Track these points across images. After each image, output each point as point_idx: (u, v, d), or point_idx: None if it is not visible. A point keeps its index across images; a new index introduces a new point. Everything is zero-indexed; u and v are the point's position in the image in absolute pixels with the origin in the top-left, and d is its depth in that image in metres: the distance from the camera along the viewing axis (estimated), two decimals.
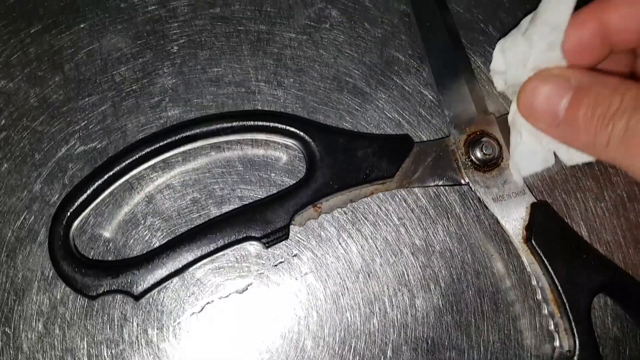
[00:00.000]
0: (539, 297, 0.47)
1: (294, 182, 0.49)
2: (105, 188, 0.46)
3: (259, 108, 0.50)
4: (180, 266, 0.45)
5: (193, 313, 0.48)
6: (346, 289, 0.49)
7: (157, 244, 0.48)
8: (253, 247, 0.49)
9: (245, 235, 0.45)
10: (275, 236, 0.46)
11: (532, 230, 0.47)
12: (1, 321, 0.47)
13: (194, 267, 0.46)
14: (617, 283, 0.47)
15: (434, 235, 0.50)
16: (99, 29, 0.51)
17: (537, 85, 0.43)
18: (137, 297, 0.44)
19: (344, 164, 0.47)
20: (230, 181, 0.49)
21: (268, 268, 0.49)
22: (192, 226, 0.48)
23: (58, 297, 0.48)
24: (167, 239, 0.48)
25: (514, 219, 0.48)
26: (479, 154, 0.48)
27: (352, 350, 0.49)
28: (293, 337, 0.49)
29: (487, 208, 0.48)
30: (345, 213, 0.50)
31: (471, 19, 0.52)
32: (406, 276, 0.49)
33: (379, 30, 0.52)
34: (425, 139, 0.50)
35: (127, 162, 0.46)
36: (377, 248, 0.50)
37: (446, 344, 0.49)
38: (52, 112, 0.50)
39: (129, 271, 0.44)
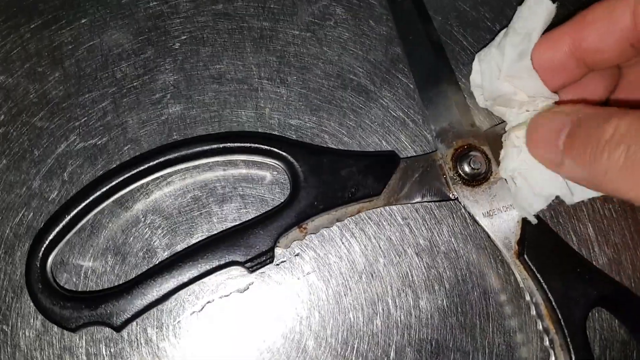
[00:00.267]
0: (533, 312, 0.46)
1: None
2: (83, 216, 0.45)
3: (261, 105, 0.50)
4: (162, 295, 0.44)
5: (193, 312, 0.48)
6: (349, 289, 0.48)
7: (157, 242, 0.48)
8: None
9: (228, 260, 0.44)
10: (259, 260, 0.45)
11: (524, 244, 0.46)
12: None
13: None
14: (614, 297, 0.46)
15: (438, 236, 0.49)
16: (100, 24, 0.50)
17: (538, 124, 0.42)
18: (118, 329, 0.43)
19: (328, 183, 0.46)
20: (232, 179, 0.49)
21: (269, 267, 0.48)
22: (180, 250, 0.48)
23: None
24: (167, 237, 0.48)
25: (505, 233, 0.46)
26: (467, 169, 0.47)
27: (354, 351, 0.48)
28: (295, 337, 0.48)
29: (477, 223, 0.47)
30: None
31: (477, 17, 0.52)
32: (410, 277, 0.49)
33: (383, 27, 0.51)
34: (430, 138, 0.50)
35: (104, 189, 0.45)
36: (380, 248, 0.49)
37: (450, 345, 0.48)
38: (51, 108, 0.49)
39: (109, 302, 0.43)
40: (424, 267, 0.49)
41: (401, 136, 0.50)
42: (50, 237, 0.44)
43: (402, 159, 0.48)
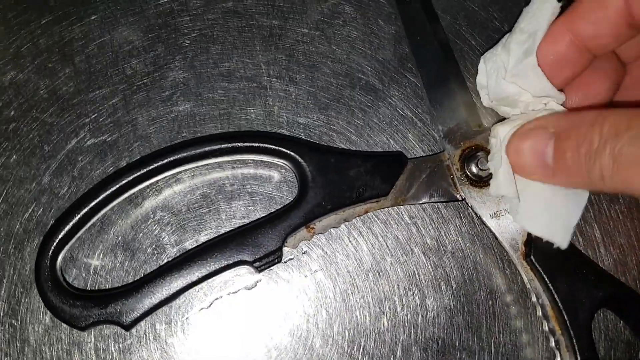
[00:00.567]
0: (539, 313, 0.47)
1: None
2: (93, 214, 0.45)
3: (270, 103, 0.50)
4: (171, 294, 0.44)
5: (202, 308, 0.48)
6: (356, 288, 0.49)
7: (167, 239, 0.48)
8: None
9: (237, 259, 0.45)
10: (267, 260, 0.45)
11: (530, 246, 0.46)
12: (8, 314, 0.47)
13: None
14: (619, 298, 0.47)
15: (445, 235, 0.49)
16: (110, 21, 0.50)
17: (518, 144, 0.42)
18: (127, 327, 0.44)
19: (336, 183, 0.46)
20: (241, 177, 0.49)
21: (277, 265, 0.48)
22: (188, 250, 0.48)
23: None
24: (176, 234, 0.48)
25: (511, 234, 0.46)
26: (474, 169, 0.47)
27: (361, 350, 0.48)
28: (302, 334, 0.48)
29: (484, 224, 0.47)
30: None
31: (486, 17, 0.52)
32: (417, 276, 0.49)
33: (392, 27, 0.51)
34: (437, 137, 0.50)
35: (114, 187, 0.45)
36: (387, 247, 0.49)
37: (457, 344, 0.48)
38: (62, 104, 0.49)
39: (118, 301, 0.44)
40: (431, 266, 0.49)
41: (409, 135, 0.50)
42: (60, 236, 0.44)
43: (410, 159, 0.48)
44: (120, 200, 0.46)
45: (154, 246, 0.48)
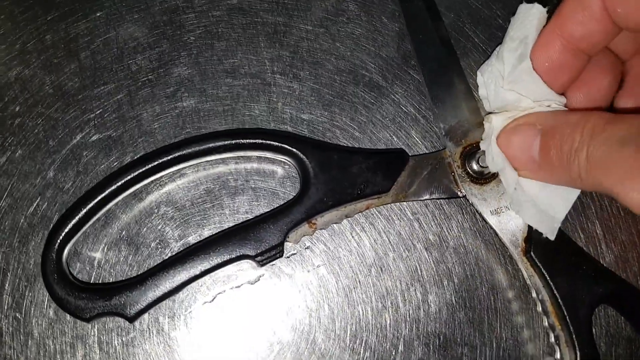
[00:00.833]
0: (539, 309, 0.47)
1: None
2: (98, 209, 0.46)
3: (274, 100, 0.50)
4: (174, 287, 0.44)
5: (205, 302, 0.48)
6: (358, 283, 0.49)
7: (170, 233, 0.48)
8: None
9: (239, 254, 0.45)
10: (269, 254, 0.45)
11: (530, 242, 0.46)
12: (12, 307, 0.47)
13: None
14: (620, 294, 0.47)
15: (448, 231, 0.50)
16: (116, 17, 0.51)
17: (508, 138, 0.44)
18: (131, 319, 0.44)
19: (338, 180, 0.46)
20: (244, 173, 0.49)
21: (280, 259, 0.48)
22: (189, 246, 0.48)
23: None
24: (180, 228, 0.48)
25: (512, 231, 0.47)
26: (475, 167, 0.47)
27: (363, 344, 0.48)
28: (304, 329, 0.48)
29: (485, 221, 0.47)
30: None
31: (490, 14, 0.52)
32: (419, 271, 0.49)
33: (396, 24, 0.52)
34: (439, 135, 0.50)
35: (119, 183, 0.45)
36: (390, 242, 0.49)
37: (458, 340, 0.49)
38: (67, 100, 0.50)
39: (123, 293, 0.44)
40: (433, 262, 0.49)
41: (412, 132, 0.51)
42: (67, 230, 0.45)
43: (411, 156, 0.48)
44: (125, 195, 0.47)
45: (157, 241, 0.48)
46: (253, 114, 0.50)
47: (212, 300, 0.48)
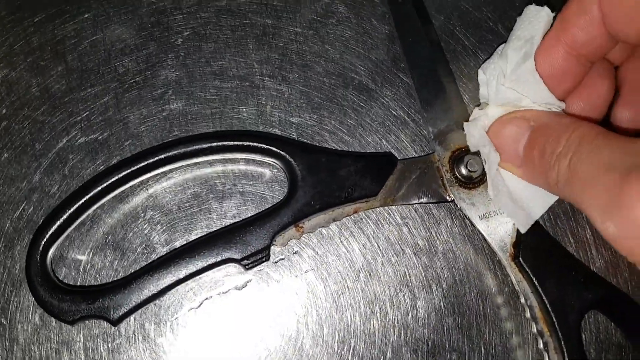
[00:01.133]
0: (528, 315, 0.47)
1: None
2: (83, 211, 0.46)
3: (262, 103, 0.50)
4: (158, 290, 0.44)
5: (191, 308, 0.48)
6: (347, 288, 0.49)
7: (157, 238, 0.48)
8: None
9: (224, 257, 0.45)
10: (255, 258, 0.45)
11: (519, 247, 0.46)
12: None
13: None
14: (610, 300, 0.47)
15: (437, 236, 0.49)
16: (103, 19, 0.50)
17: (500, 127, 0.44)
18: (115, 323, 0.44)
19: (326, 183, 0.46)
20: (232, 176, 0.49)
21: (268, 265, 0.48)
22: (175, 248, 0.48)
23: None
24: (166, 233, 0.48)
25: (500, 236, 0.46)
26: (463, 171, 0.47)
27: (351, 350, 0.48)
28: (292, 335, 0.48)
29: (473, 225, 0.47)
30: None
31: (480, 17, 0.52)
32: (408, 277, 0.49)
33: (386, 26, 0.51)
34: (428, 138, 0.50)
35: (104, 185, 0.45)
36: (379, 247, 0.49)
37: (447, 346, 0.48)
38: (53, 102, 0.49)
39: (107, 296, 0.44)
40: (422, 267, 0.49)
41: (401, 135, 0.50)
42: (51, 231, 0.44)
43: (400, 160, 0.48)
44: (110, 198, 0.47)
45: (144, 245, 0.48)
46: (241, 117, 0.50)
47: (199, 306, 0.48)
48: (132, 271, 0.48)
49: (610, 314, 0.48)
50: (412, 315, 0.48)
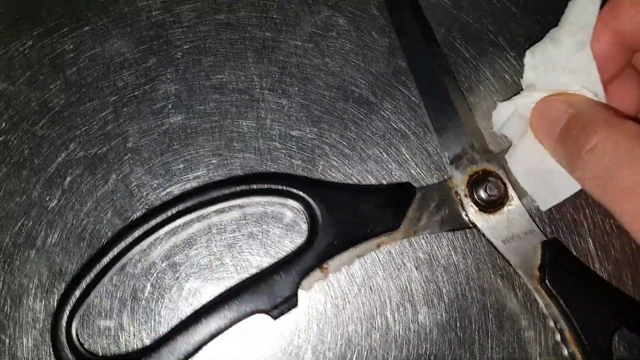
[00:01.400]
0: (558, 338, 0.46)
1: None
2: (102, 275, 0.45)
3: (262, 116, 0.50)
4: (189, 352, 0.44)
5: None
6: (347, 302, 0.48)
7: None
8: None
9: (253, 309, 0.44)
10: (284, 306, 0.44)
11: (545, 270, 0.45)
12: None
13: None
14: (637, 317, 0.46)
15: (438, 249, 0.49)
16: (102, 33, 0.50)
17: (546, 102, 0.43)
18: None
19: (347, 221, 0.45)
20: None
21: None
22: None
23: (55, 305, 0.47)
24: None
25: (525, 260, 0.46)
26: (483, 195, 0.46)
27: None
28: (292, 350, 0.48)
29: (497, 250, 0.46)
30: None
31: (481, 29, 0.51)
32: (409, 290, 0.49)
33: (386, 39, 0.51)
34: (431, 151, 0.49)
35: (122, 246, 0.45)
36: (379, 261, 0.49)
37: None
38: (52, 117, 0.49)
39: None
40: (423, 280, 0.49)
41: (402, 149, 0.50)
42: (74, 300, 0.44)
43: (418, 188, 0.47)
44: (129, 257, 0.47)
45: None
46: (241, 130, 0.50)
47: None
48: (160, 333, 0.47)
49: (638, 331, 0.47)
50: (413, 330, 0.48)
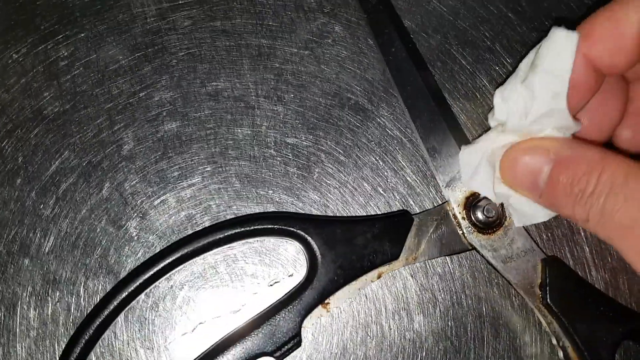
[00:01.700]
0: (561, 356, 0.46)
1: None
2: (109, 322, 0.45)
3: (257, 123, 0.49)
4: None
5: (185, 333, 0.47)
6: (342, 310, 0.48)
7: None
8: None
9: (257, 352, 0.44)
10: (287, 347, 0.44)
11: (546, 289, 0.45)
12: None
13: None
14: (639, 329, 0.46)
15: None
16: (97, 40, 0.50)
17: (517, 157, 0.41)
18: None
19: (346, 255, 0.45)
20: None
21: (263, 287, 0.48)
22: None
23: (49, 313, 0.47)
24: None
25: (525, 279, 0.46)
26: (480, 217, 0.46)
27: None
28: (287, 359, 0.47)
29: (497, 271, 0.46)
30: None
31: (477, 36, 0.51)
32: (405, 298, 0.48)
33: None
34: (426, 157, 0.49)
35: (125, 293, 0.45)
36: None
37: None
38: (46, 124, 0.49)
39: None
40: (419, 288, 0.49)
41: (398, 156, 0.50)
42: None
43: (414, 215, 0.47)
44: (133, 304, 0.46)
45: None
46: (236, 137, 0.49)
47: (193, 330, 0.47)
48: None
49: None
50: (408, 338, 0.48)
